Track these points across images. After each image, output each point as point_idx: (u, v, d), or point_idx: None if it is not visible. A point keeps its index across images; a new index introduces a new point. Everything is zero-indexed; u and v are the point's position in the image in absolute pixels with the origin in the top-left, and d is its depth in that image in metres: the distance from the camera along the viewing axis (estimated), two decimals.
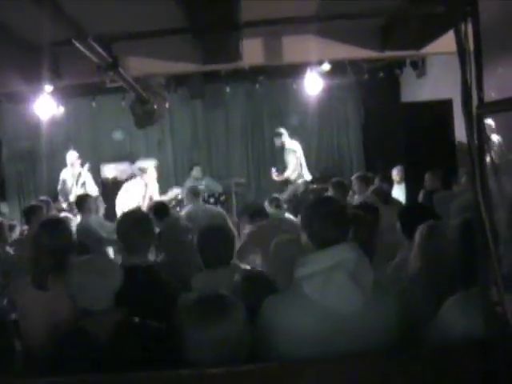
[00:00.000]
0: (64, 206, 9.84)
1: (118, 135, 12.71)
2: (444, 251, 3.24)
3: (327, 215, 2.57)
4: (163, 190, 12.12)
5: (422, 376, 2.30)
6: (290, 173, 10.76)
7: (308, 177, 11.07)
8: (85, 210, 7.34)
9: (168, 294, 3.27)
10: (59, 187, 10.37)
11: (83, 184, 10.21)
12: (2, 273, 5.55)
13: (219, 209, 8.48)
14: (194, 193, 7.86)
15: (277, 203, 7.86)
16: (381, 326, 2.47)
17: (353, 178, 7.97)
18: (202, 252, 3.65)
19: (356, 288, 2.41)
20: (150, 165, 10.12)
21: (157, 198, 10.07)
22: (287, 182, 10.91)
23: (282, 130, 10.96)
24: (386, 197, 6.91)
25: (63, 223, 3.99)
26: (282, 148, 10.99)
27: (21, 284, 3.68)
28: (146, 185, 10.02)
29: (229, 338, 2.26)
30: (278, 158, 13.15)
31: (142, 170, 10.02)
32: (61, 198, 10.17)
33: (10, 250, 6.49)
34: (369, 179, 7.91)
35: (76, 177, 10.22)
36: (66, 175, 10.33)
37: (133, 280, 3.01)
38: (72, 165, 10.26)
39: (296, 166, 10.79)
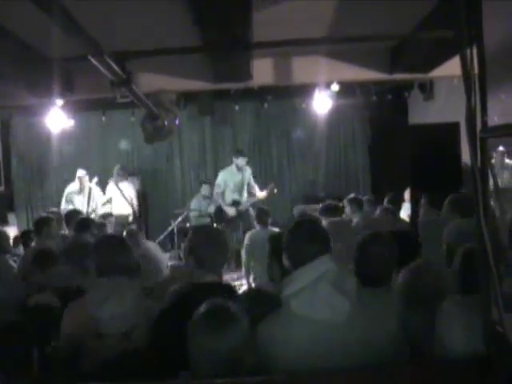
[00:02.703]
0: None
1: (123, 145, 12.80)
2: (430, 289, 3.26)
3: (303, 234, 2.69)
4: (171, 205, 12.35)
5: None
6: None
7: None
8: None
9: None
10: (65, 205, 10.32)
11: (92, 199, 10.31)
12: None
13: None
14: None
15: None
16: (374, 335, 2.53)
17: (344, 200, 7.99)
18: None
19: (340, 296, 2.49)
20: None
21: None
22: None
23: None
24: None
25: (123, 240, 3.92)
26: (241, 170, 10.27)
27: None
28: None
29: (232, 349, 2.30)
30: (284, 176, 13.25)
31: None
32: None
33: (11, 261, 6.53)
34: (361, 201, 7.94)
35: (87, 196, 10.31)
36: (72, 193, 10.41)
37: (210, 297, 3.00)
38: (81, 182, 10.36)
39: None
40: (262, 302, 2.93)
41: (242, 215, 9.95)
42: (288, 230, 2.78)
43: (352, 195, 8.37)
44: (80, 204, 10.22)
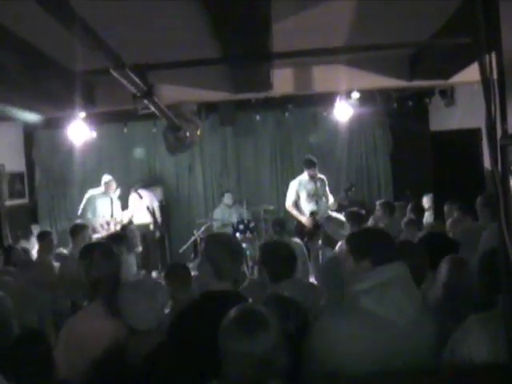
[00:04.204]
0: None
1: (138, 153, 12.85)
2: (467, 283, 3.46)
3: (380, 237, 2.83)
4: (194, 215, 12.43)
5: None
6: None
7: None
8: (78, 240, 7.18)
9: None
10: (86, 207, 10.33)
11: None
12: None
13: None
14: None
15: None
16: (425, 341, 2.63)
17: (377, 203, 7.97)
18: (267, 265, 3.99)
19: (409, 301, 2.61)
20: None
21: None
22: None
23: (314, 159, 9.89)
24: None
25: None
26: (313, 178, 9.82)
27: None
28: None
29: (263, 352, 2.31)
30: None
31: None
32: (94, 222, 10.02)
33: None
34: (393, 207, 7.93)
35: (110, 201, 10.35)
36: (96, 196, 10.38)
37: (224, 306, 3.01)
38: (107, 187, 10.36)
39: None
40: (286, 307, 2.99)
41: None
42: (361, 234, 3.00)
43: (385, 199, 8.37)
44: (103, 208, 10.26)
